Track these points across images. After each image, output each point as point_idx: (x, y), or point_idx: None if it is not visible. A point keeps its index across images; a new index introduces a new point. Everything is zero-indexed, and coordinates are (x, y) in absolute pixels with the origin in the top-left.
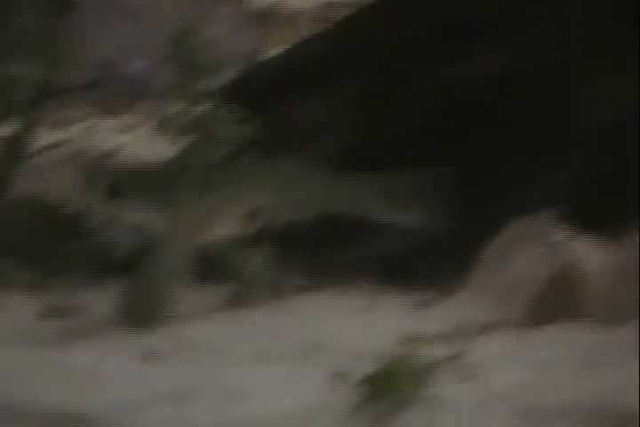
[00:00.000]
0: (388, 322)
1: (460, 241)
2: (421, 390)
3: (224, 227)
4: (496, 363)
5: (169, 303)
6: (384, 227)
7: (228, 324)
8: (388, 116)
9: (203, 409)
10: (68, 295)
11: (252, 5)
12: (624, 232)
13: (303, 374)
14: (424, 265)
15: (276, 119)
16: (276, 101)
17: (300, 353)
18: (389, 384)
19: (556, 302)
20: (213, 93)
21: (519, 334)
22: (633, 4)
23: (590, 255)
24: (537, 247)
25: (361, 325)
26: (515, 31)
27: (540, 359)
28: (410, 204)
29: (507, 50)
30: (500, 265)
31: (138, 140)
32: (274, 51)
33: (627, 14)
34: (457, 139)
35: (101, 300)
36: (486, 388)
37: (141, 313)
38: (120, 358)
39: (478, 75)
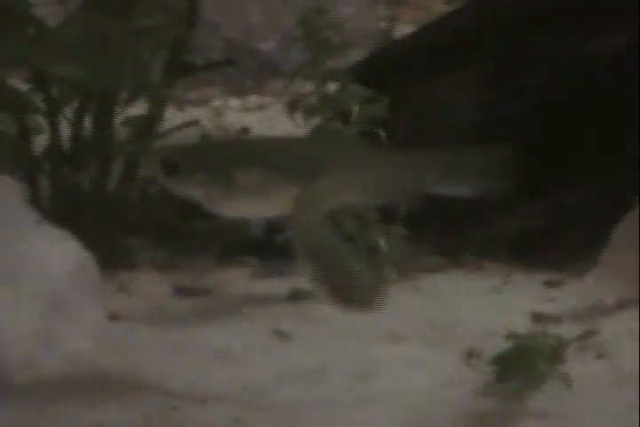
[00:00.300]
0: (519, 301)
1: (591, 220)
2: (553, 369)
3: (352, 207)
4: (627, 342)
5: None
6: (513, 206)
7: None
8: (517, 94)
9: (333, 387)
10: (198, 274)
11: None
12: None
13: (435, 352)
14: (555, 244)
15: (405, 99)
16: (406, 81)
17: (431, 331)
18: (521, 363)
19: None
20: (343, 73)
21: None
22: None
23: None
24: None
25: (492, 303)
26: None
27: None
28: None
29: None
30: (631, 244)
31: (267, 121)
32: (404, 30)
33: None
34: (584, 115)
35: (232, 279)
36: (617, 367)
37: (356, 295)
38: (250, 336)
39: (615, 49)
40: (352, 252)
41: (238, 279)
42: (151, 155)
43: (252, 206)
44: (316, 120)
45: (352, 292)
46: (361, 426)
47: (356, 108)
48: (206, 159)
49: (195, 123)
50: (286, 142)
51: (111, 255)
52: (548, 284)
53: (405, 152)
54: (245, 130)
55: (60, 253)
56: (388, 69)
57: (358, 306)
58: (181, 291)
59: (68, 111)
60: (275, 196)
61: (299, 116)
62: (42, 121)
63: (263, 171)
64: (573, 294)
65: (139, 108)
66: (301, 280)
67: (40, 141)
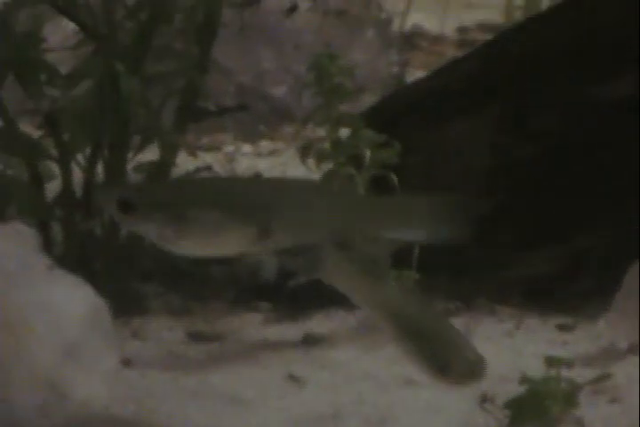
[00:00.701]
0: (532, 345)
1: (605, 264)
2: (566, 413)
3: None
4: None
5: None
6: (528, 251)
7: (372, 347)
8: (530, 138)
9: None
10: (212, 320)
11: (393, 30)
12: None
13: (449, 396)
14: (568, 288)
15: (418, 144)
16: (419, 126)
17: None
18: (535, 407)
19: None
20: (355, 118)
21: None
22: None
23: None
24: None
25: (506, 348)
26: None
27: None
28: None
29: None
30: None
31: (279, 166)
32: (416, 75)
33: None
34: (598, 158)
35: (245, 324)
36: (630, 411)
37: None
38: (264, 381)
39: (628, 92)
40: (444, 319)
41: (251, 325)
42: (106, 192)
43: (207, 246)
44: (328, 165)
45: (452, 365)
46: None
47: (368, 153)
48: (162, 197)
49: (207, 168)
50: (243, 182)
51: (124, 301)
52: (561, 328)
53: (361, 195)
54: (258, 175)
55: (72, 300)
56: (400, 114)
57: (459, 380)
58: (195, 337)
59: (80, 157)
60: (229, 235)
61: (311, 162)
62: (54, 167)
63: (218, 210)
64: (586, 338)
65: (151, 154)
66: (313, 325)
67: (52, 188)
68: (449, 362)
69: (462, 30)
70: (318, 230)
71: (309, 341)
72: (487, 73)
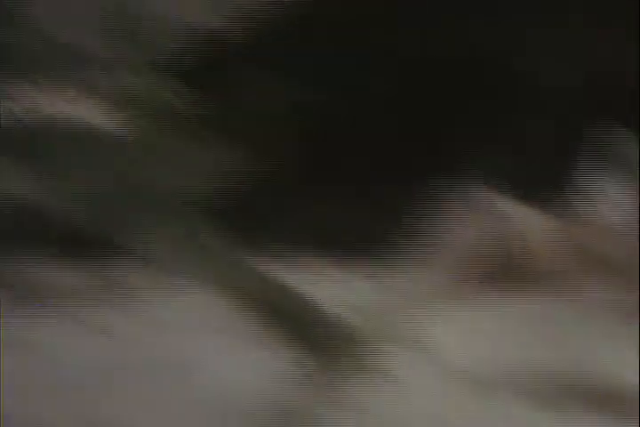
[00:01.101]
0: (330, 294)
1: (402, 212)
2: (367, 361)
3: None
4: (442, 335)
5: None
6: (326, 200)
7: (173, 294)
8: (342, 94)
9: (154, 381)
10: (13, 268)
11: None
12: (563, 201)
13: (254, 345)
14: (367, 237)
15: (220, 94)
16: (221, 76)
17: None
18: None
19: (501, 273)
20: (153, 67)
21: (465, 306)
22: None
23: (533, 225)
24: (479, 217)
25: (311, 295)
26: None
27: (487, 331)
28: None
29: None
30: (443, 236)
31: (76, 114)
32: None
33: None
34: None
35: (48, 273)
36: (433, 359)
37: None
38: (68, 330)
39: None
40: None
41: (45, 271)
42: None
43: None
44: (123, 114)
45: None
46: (183, 420)
47: (164, 103)
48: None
49: (5, 117)
50: (20, 126)
51: None
52: (361, 276)
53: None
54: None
55: None
56: (201, 63)
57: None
58: None
59: None
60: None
61: (109, 110)
62: None
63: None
64: (386, 286)
65: None
66: (113, 271)
67: None
68: (318, 339)
69: None
70: (100, 176)
71: (109, 288)
72: (291, 28)
